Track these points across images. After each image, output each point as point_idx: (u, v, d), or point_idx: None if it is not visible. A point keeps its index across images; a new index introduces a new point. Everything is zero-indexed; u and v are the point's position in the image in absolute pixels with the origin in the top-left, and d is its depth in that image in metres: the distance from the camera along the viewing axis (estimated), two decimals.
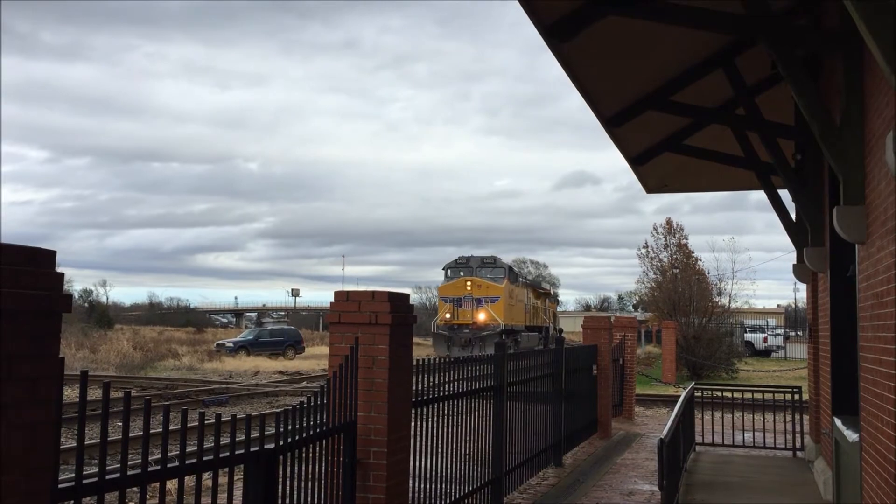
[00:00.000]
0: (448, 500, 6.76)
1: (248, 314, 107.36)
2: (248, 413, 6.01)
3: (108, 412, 3.10)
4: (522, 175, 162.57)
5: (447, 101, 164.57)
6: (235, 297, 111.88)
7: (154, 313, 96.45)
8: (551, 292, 53.35)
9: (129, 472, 3.14)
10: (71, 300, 2.78)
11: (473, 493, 7.37)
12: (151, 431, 3.35)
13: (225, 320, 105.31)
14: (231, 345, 39.96)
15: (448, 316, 35.06)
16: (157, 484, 3.31)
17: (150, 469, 3.23)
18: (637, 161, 11.59)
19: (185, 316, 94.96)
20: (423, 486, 6.16)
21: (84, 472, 2.95)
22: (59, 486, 2.82)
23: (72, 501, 2.92)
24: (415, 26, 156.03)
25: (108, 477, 3.05)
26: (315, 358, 38.75)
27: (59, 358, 2.74)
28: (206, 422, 3.55)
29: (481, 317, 33.75)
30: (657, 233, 42.65)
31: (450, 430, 6.83)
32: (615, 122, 9.59)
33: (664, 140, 11.09)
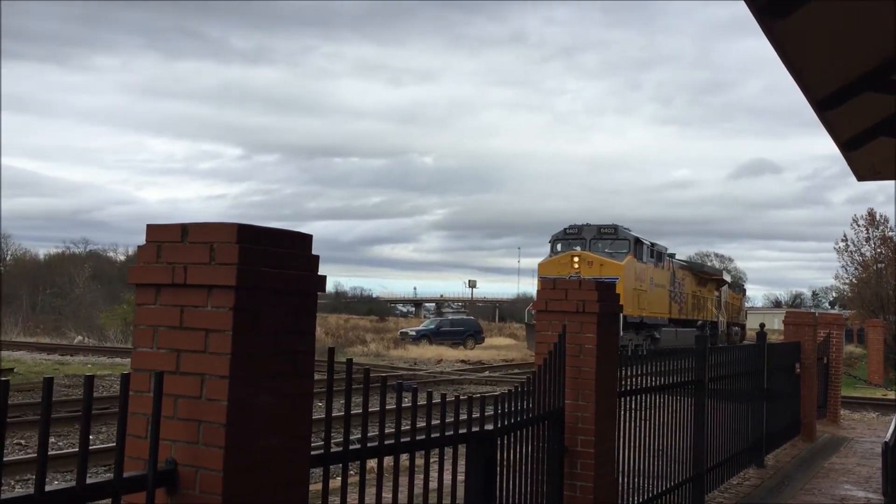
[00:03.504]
0: (649, 495, 6.65)
1: (426, 304, 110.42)
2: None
3: (351, 388, 3.32)
4: (697, 164, 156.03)
5: (617, 90, 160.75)
6: (414, 288, 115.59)
7: (339, 302, 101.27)
8: (726, 279, 42.31)
9: (368, 445, 3.34)
10: (325, 281, 3.00)
11: (675, 489, 7.20)
12: (369, 409, 3.52)
13: (405, 310, 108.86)
14: (414, 333, 41.33)
15: None
16: (391, 457, 3.49)
17: (386, 443, 3.42)
18: (849, 146, 10.75)
19: (368, 305, 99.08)
20: (623, 479, 6.10)
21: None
22: (312, 453, 3.05)
23: (320, 469, 3.16)
24: (580, 17, 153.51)
25: (351, 448, 3.26)
26: (494, 349, 39.25)
27: (314, 334, 2.97)
28: (433, 402, 3.71)
29: None
30: (858, 225, 39.57)
31: (649, 423, 6.70)
32: (827, 104, 8.93)
33: (880, 123, 10.21)
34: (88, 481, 2.33)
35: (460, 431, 3.88)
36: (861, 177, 12.97)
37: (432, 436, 3.68)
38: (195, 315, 2.68)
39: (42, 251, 71.18)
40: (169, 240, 2.75)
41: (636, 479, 6.46)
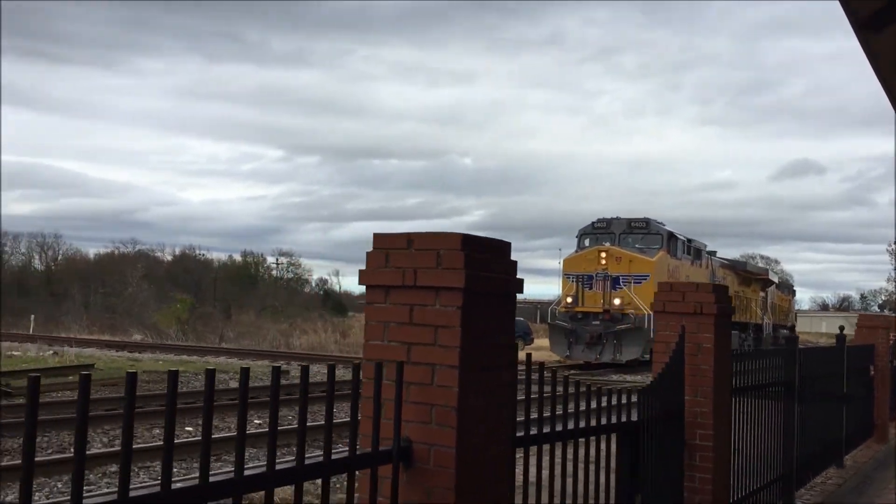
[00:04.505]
0: (747, 491, 6.92)
1: None
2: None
3: (531, 379, 3.69)
4: (739, 166, 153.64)
5: (657, 91, 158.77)
6: None
7: None
8: (773, 279, 38.84)
9: (543, 432, 3.72)
10: (522, 284, 3.37)
11: (768, 486, 7.46)
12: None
13: None
14: None
15: (570, 300, 25.35)
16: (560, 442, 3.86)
17: (557, 430, 3.79)
18: None
19: None
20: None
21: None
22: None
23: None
24: (619, 17, 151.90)
25: (544, 432, 3.64)
26: (544, 350, 39.36)
27: (514, 333, 3.35)
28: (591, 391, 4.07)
29: (616, 302, 23.89)
30: None
31: (744, 422, 6.95)
32: None
33: None
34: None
35: (612, 422, 4.23)
36: None
37: (591, 425, 4.06)
38: (424, 313, 3.07)
39: (91, 251, 72.79)
40: (396, 247, 3.15)
41: (730, 478, 6.73)
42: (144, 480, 7.84)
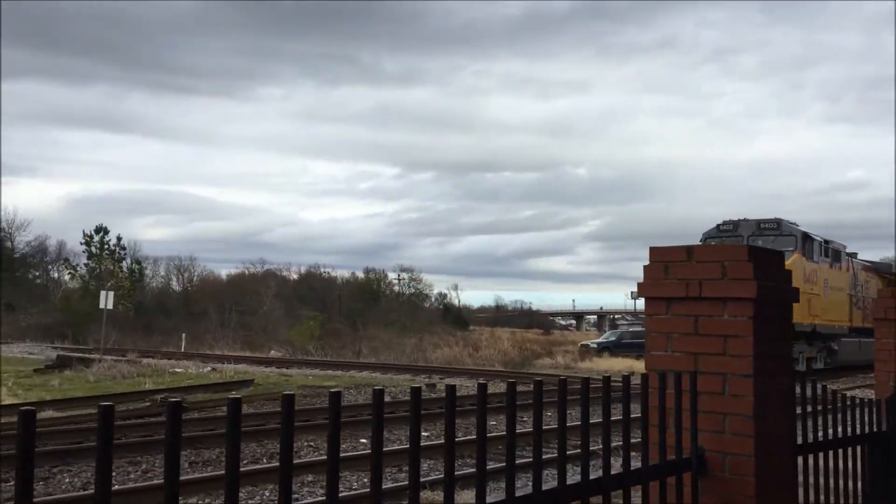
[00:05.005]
0: None
1: (587, 316, 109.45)
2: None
3: (804, 389, 3.66)
4: (871, 164, 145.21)
5: (779, 91, 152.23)
6: (573, 300, 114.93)
7: (500, 315, 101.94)
8: None
9: (813, 441, 3.69)
10: (798, 293, 3.38)
11: None
12: None
13: (565, 323, 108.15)
14: (595, 346, 41.29)
15: None
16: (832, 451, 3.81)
17: (823, 439, 3.76)
18: None
19: (528, 318, 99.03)
20: None
21: None
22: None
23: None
24: (736, 17, 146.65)
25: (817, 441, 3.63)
26: None
27: (791, 340, 3.36)
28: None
29: None
30: None
31: None
32: None
33: None
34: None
35: (866, 431, 4.15)
36: None
37: (848, 434, 3.99)
38: (711, 323, 3.12)
39: (224, 272, 76.21)
40: (675, 259, 3.22)
41: None
42: (353, 486, 8.25)
